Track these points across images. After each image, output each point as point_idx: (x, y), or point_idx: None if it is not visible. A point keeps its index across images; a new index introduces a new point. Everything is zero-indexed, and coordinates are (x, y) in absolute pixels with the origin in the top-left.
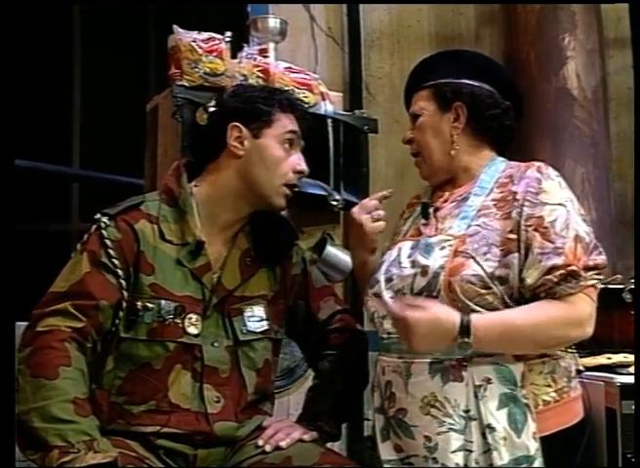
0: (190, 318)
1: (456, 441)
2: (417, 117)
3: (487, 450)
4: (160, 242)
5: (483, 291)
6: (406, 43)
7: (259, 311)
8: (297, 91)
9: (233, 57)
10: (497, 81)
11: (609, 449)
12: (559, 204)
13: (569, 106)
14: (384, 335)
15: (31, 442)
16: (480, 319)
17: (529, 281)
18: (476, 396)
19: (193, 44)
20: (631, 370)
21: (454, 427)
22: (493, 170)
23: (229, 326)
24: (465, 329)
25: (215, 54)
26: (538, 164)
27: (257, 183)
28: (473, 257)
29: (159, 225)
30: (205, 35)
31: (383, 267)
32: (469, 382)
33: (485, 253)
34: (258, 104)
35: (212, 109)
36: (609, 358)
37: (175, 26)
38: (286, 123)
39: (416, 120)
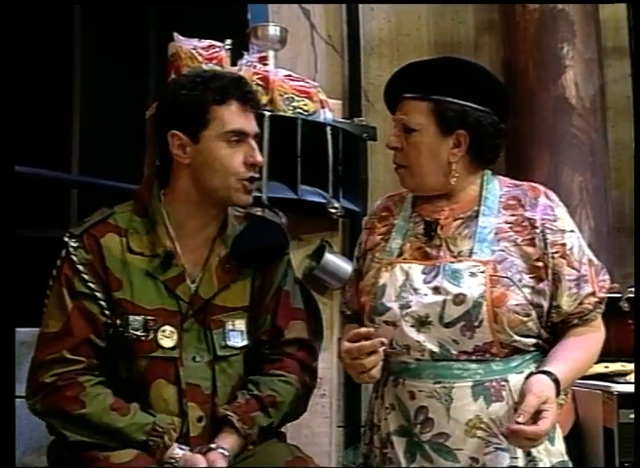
0: (164, 331)
1: (503, 459)
2: (409, 128)
3: (529, 462)
4: (129, 255)
5: (526, 319)
6: (405, 51)
7: (240, 325)
8: (296, 98)
9: (233, 64)
10: (499, 104)
11: (606, 459)
12: (571, 230)
13: (567, 115)
14: (410, 361)
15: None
16: (561, 373)
17: (565, 309)
18: (516, 412)
19: (193, 51)
20: (629, 378)
21: (500, 446)
22: (491, 187)
23: (210, 339)
24: (558, 388)
25: (215, 61)
26: (542, 189)
27: (210, 188)
28: (515, 286)
29: (128, 238)
30: (205, 43)
31: (391, 292)
32: (509, 400)
33: (520, 281)
34: (189, 105)
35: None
36: (606, 367)
37: (175, 34)
38: (225, 118)
39: (406, 128)
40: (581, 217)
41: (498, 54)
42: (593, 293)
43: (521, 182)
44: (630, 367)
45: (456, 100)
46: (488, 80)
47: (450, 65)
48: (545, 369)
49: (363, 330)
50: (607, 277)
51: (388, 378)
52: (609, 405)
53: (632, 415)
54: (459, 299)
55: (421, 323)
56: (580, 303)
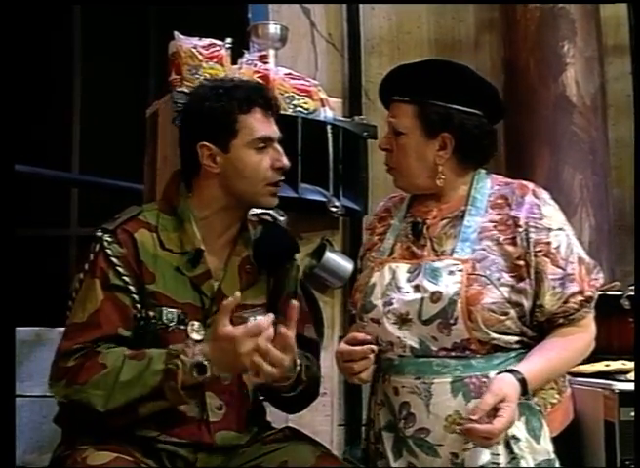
0: (193, 324)
1: (483, 455)
2: (397, 131)
3: (512, 460)
4: (160, 250)
5: (503, 317)
6: (405, 49)
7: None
8: (296, 97)
9: (234, 63)
10: (488, 105)
11: (607, 457)
12: (559, 229)
13: (568, 113)
14: (394, 357)
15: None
16: (529, 372)
17: (548, 308)
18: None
19: (194, 50)
20: (629, 376)
21: None
22: (481, 186)
23: None
24: (523, 386)
25: (215, 60)
26: (531, 187)
27: (240, 194)
28: (492, 284)
29: (158, 234)
30: (205, 41)
31: (377, 290)
32: None
33: (499, 279)
34: (217, 117)
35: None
36: (607, 365)
37: (175, 32)
38: (252, 126)
39: (395, 131)
40: (582, 216)
41: (498, 52)
42: (580, 292)
43: (512, 181)
44: (631, 365)
45: (439, 103)
46: (475, 82)
47: (436, 68)
48: (512, 367)
49: (360, 336)
50: (600, 276)
51: (379, 375)
52: (610, 402)
53: (633, 413)
54: (435, 297)
55: (402, 320)
56: (565, 302)
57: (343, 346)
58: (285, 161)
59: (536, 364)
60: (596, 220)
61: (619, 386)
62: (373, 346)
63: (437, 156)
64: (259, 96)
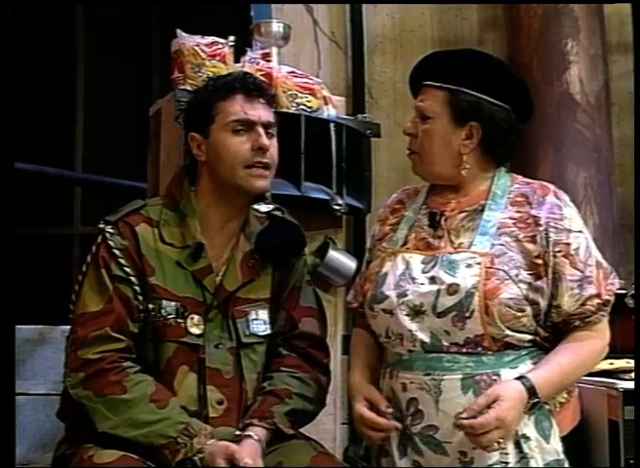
0: (192, 318)
1: (492, 454)
2: (424, 116)
3: (521, 459)
4: (161, 244)
5: (519, 314)
6: (409, 47)
7: (262, 315)
8: (299, 95)
9: (236, 61)
10: (519, 102)
11: (611, 456)
12: (579, 231)
13: (572, 111)
14: (403, 352)
15: (134, 448)
16: (539, 378)
17: (565, 309)
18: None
19: (196, 48)
20: (634, 375)
21: None
22: (502, 183)
23: (233, 328)
24: (532, 391)
25: (218, 58)
26: (552, 188)
27: (222, 178)
28: (511, 280)
29: (159, 229)
30: (208, 39)
31: (390, 281)
32: None
33: (517, 276)
34: (198, 107)
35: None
36: (611, 363)
37: (178, 30)
38: (228, 110)
39: (422, 115)
40: (586, 214)
41: (501, 50)
42: (598, 295)
43: (532, 181)
44: None
45: (472, 92)
46: (509, 77)
47: (472, 58)
48: (523, 374)
49: (383, 405)
50: (616, 281)
51: (386, 370)
52: (614, 401)
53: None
54: (452, 289)
55: (416, 312)
56: (582, 304)
57: (367, 413)
58: (264, 141)
59: (546, 370)
60: (600, 219)
61: (623, 385)
62: (398, 424)
63: (462, 145)
64: (240, 82)
